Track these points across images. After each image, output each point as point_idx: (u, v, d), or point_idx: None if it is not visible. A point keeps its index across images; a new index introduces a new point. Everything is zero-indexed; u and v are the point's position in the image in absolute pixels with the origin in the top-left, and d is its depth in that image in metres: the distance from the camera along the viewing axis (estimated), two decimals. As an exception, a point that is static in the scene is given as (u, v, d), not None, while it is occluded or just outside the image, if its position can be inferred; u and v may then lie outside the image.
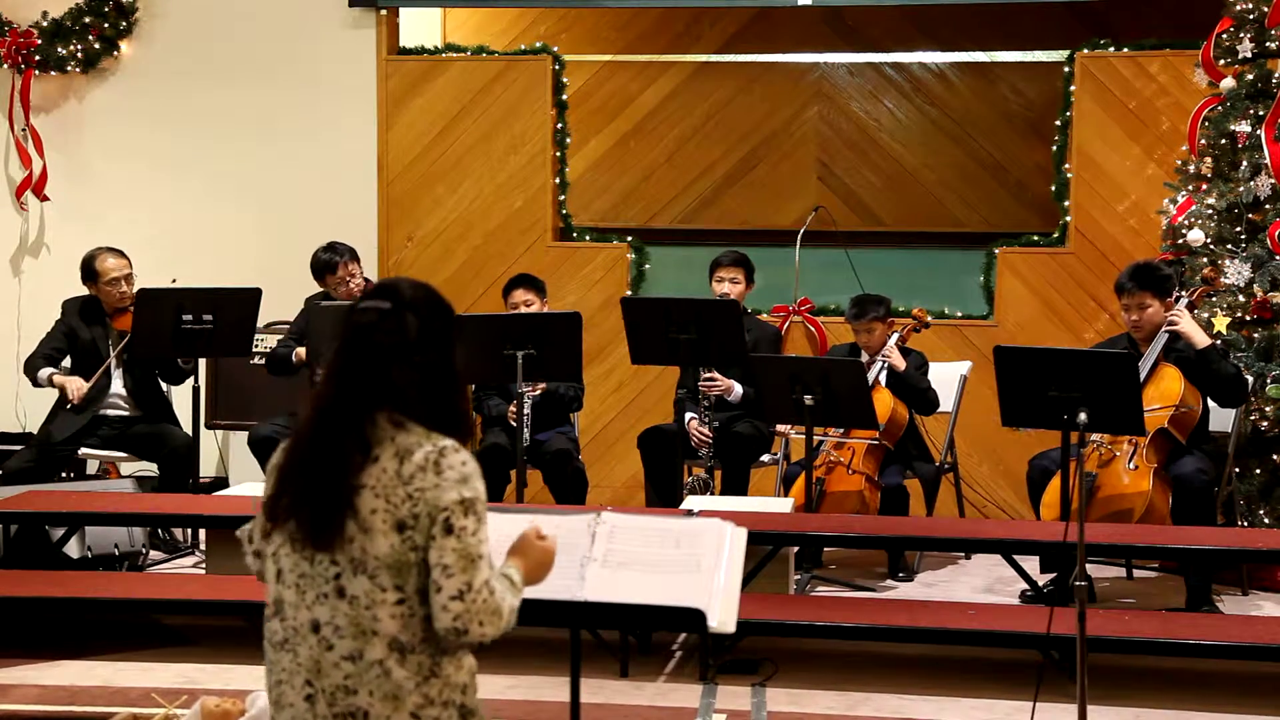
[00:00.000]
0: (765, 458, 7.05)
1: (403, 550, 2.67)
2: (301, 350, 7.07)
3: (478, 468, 2.74)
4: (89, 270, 7.07)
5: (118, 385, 7.10)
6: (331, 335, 2.83)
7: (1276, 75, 6.82)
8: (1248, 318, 6.61)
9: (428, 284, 2.89)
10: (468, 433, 2.80)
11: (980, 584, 6.45)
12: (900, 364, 6.72)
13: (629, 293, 8.15)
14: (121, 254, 7.11)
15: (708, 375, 6.83)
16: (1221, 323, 6.53)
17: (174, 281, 7.12)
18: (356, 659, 2.67)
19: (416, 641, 2.68)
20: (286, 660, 2.73)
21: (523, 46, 8.61)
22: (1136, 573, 6.62)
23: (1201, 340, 6.04)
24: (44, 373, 7.02)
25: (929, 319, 7.13)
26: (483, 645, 2.72)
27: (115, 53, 8.65)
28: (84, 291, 7.15)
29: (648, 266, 8.42)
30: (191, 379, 7.14)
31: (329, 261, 7.18)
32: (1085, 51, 7.91)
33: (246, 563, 2.95)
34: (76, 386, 6.93)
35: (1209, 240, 6.78)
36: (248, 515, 6.04)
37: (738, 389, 6.90)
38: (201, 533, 6.72)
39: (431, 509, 2.68)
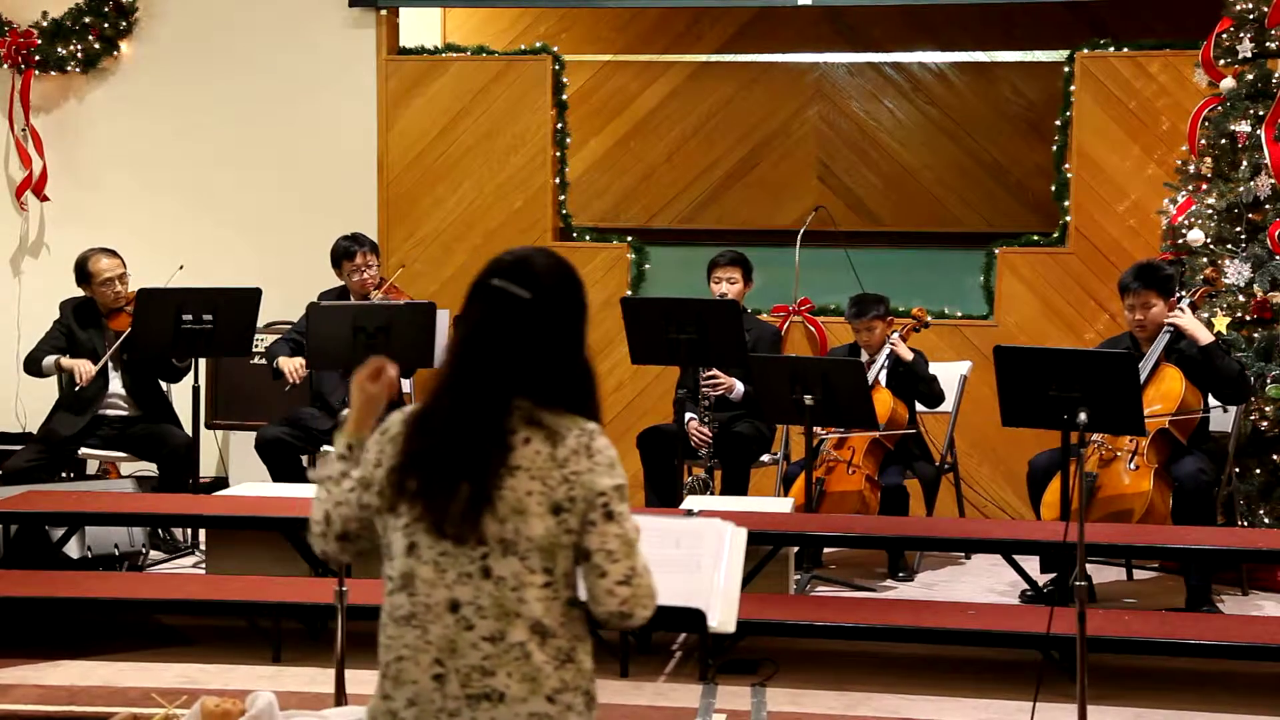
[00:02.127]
0: (765, 458, 7.05)
1: (558, 533, 2.65)
2: (284, 361, 6.99)
3: (617, 452, 2.74)
4: (82, 271, 7.08)
5: (117, 385, 7.10)
6: (465, 316, 2.76)
7: (1276, 75, 6.83)
8: (1248, 318, 6.61)
9: (564, 263, 2.82)
10: (600, 418, 2.78)
11: (980, 584, 6.45)
12: (906, 354, 6.72)
13: (629, 293, 8.15)
14: (114, 254, 7.11)
15: (709, 374, 6.83)
16: (1221, 323, 6.53)
17: (181, 268, 7.11)
18: (498, 640, 2.62)
19: (557, 625, 2.66)
20: (412, 636, 2.66)
21: (523, 46, 8.61)
22: (1136, 573, 6.62)
23: (1204, 337, 6.03)
24: (49, 359, 7.02)
25: (929, 319, 7.13)
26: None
27: (115, 53, 8.65)
28: (81, 292, 7.15)
29: (648, 266, 8.43)
30: (191, 378, 7.15)
31: (347, 249, 7.18)
32: (1085, 51, 7.91)
33: (321, 547, 2.83)
34: (86, 369, 6.92)
35: (1209, 240, 6.79)
36: (248, 515, 6.08)
37: (739, 387, 6.90)
38: (201, 533, 6.72)
39: (588, 493, 2.66)
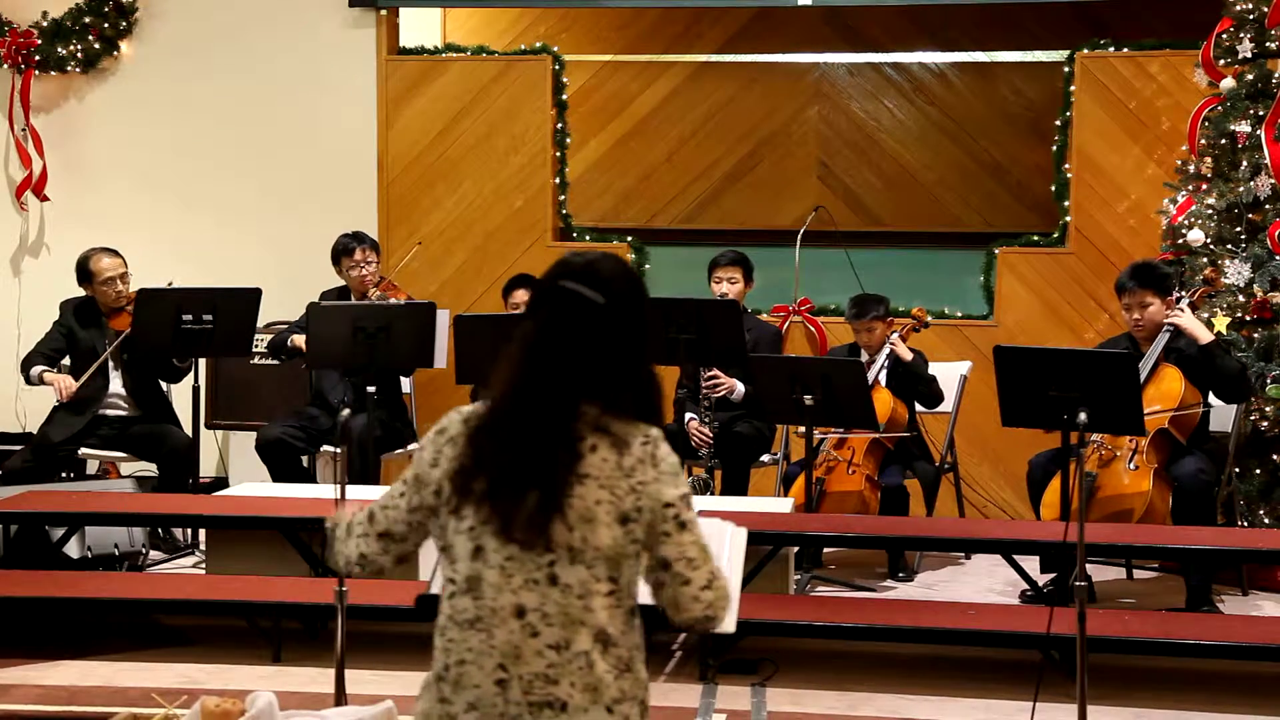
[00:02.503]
0: (765, 458, 7.05)
1: (624, 543, 2.65)
2: (298, 337, 7.06)
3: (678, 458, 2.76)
4: (84, 271, 7.08)
5: (117, 385, 7.10)
6: (533, 317, 2.74)
7: (1276, 75, 6.82)
8: (1248, 318, 6.61)
9: (630, 268, 2.83)
10: (662, 424, 2.78)
11: (980, 584, 6.45)
12: (906, 354, 6.72)
13: (629, 293, 8.13)
14: (116, 254, 7.11)
15: (710, 375, 6.83)
16: (1221, 323, 6.53)
17: (170, 284, 7.12)
18: (562, 648, 2.62)
19: (619, 634, 2.66)
20: (476, 641, 2.64)
21: (523, 46, 8.61)
22: (1136, 573, 6.62)
23: (1204, 336, 6.03)
24: (36, 370, 7.02)
25: (929, 319, 7.13)
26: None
27: (115, 53, 8.65)
28: (82, 292, 7.15)
29: (648, 266, 8.43)
30: (191, 378, 7.15)
31: (346, 245, 7.22)
32: (1085, 51, 7.91)
33: (359, 549, 2.81)
34: (66, 385, 6.93)
35: (1209, 240, 6.78)
36: (248, 515, 6.07)
37: (740, 388, 6.90)
38: (201, 533, 6.72)
39: (654, 504, 2.67)
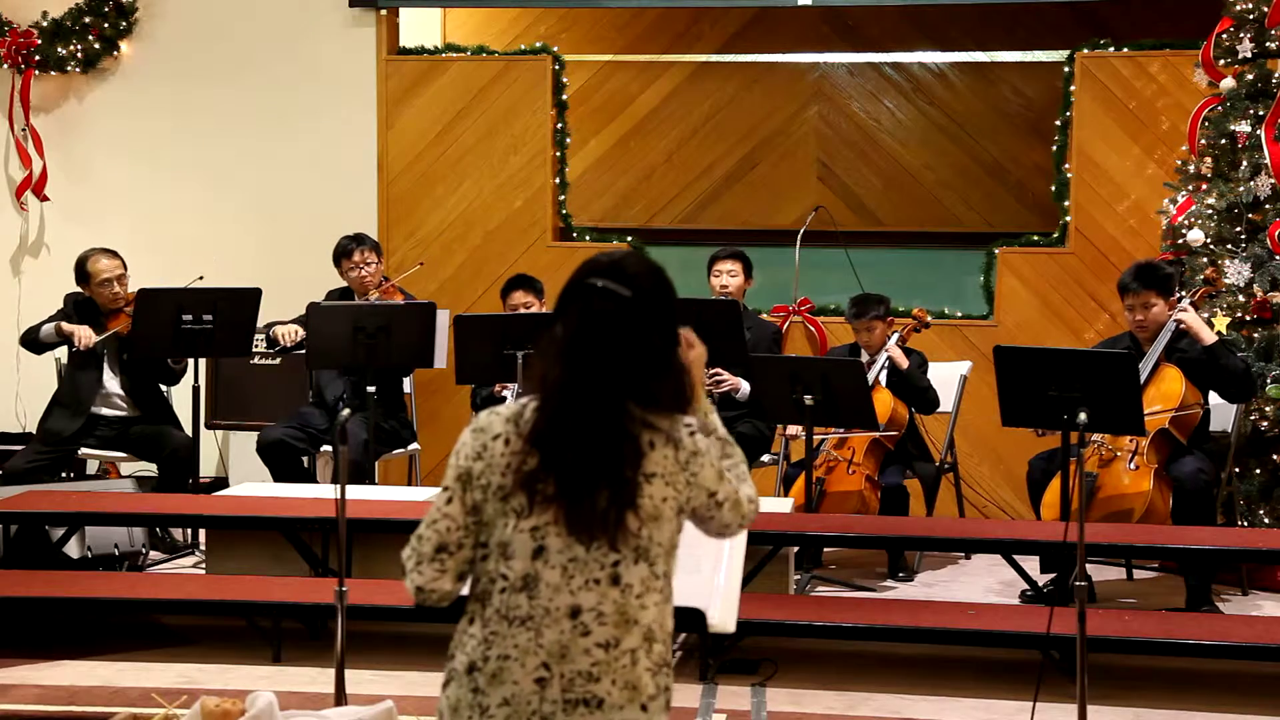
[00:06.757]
0: (765, 458, 7.05)
1: (677, 531, 2.71)
2: (279, 328, 7.06)
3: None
4: (81, 271, 7.09)
5: (115, 385, 7.10)
6: (563, 319, 2.73)
7: (1276, 75, 6.83)
8: (1248, 318, 6.61)
9: (652, 263, 2.86)
10: (692, 410, 2.79)
11: (980, 584, 6.45)
12: (903, 361, 6.73)
13: (629, 293, 8.13)
14: (114, 255, 7.12)
15: (714, 373, 6.83)
16: (1221, 323, 6.53)
17: (200, 279, 7.11)
18: (611, 646, 2.62)
19: (659, 629, 2.68)
20: (524, 638, 2.63)
21: (523, 46, 8.61)
22: (1136, 573, 6.62)
23: (1208, 336, 6.03)
24: (49, 326, 7.00)
25: (929, 319, 7.13)
26: None
27: (115, 53, 8.65)
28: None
29: (648, 266, 8.42)
30: (191, 378, 7.15)
31: (345, 247, 7.24)
32: (1085, 51, 7.91)
33: (416, 582, 2.70)
34: (85, 334, 6.91)
35: (1209, 240, 6.79)
36: (248, 515, 6.07)
37: (745, 386, 6.90)
38: (201, 533, 6.72)
39: (702, 493, 2.73)
